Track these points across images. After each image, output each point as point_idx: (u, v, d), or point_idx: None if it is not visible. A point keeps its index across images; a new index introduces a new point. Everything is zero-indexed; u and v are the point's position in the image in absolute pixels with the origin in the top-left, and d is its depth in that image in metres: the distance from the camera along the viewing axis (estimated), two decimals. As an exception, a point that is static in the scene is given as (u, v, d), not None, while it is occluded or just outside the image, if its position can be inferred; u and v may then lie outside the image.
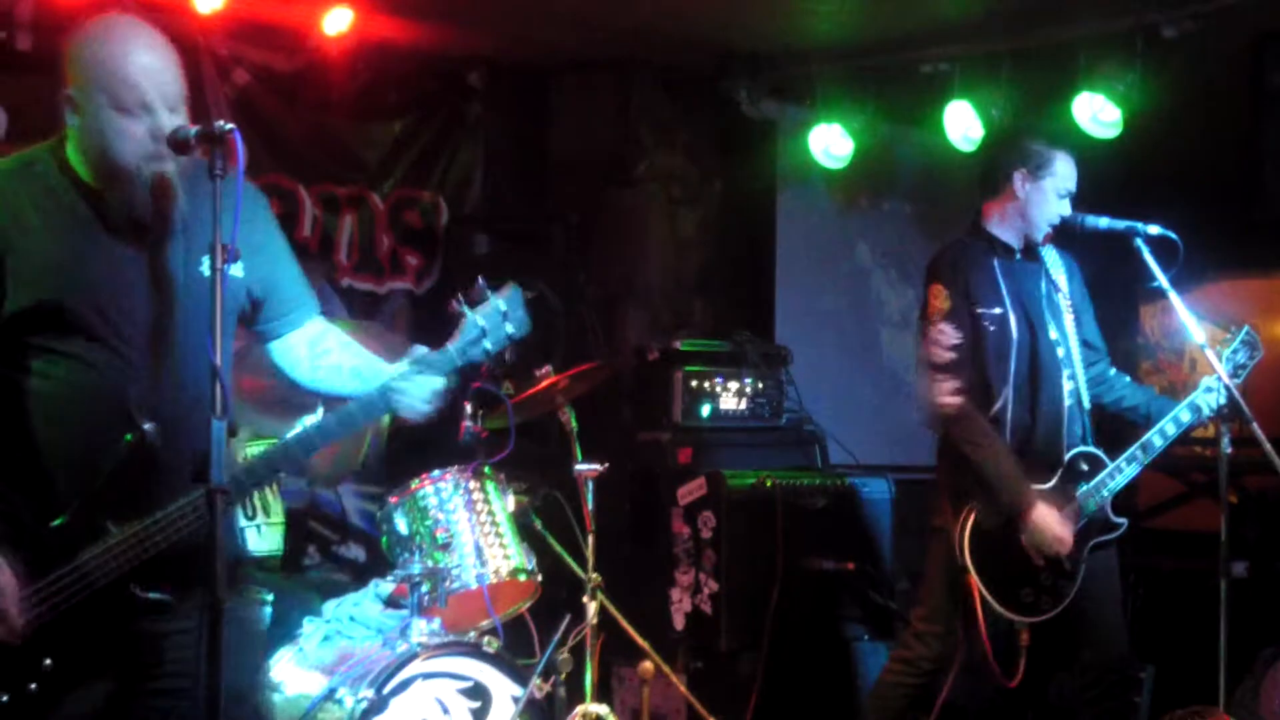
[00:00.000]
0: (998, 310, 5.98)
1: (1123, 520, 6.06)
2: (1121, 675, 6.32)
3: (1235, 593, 5.64)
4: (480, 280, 4.43)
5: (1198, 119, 8.85)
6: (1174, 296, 5.68)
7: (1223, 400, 5.87)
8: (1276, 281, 9.79)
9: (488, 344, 4.37)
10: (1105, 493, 5.99)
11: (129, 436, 3.88)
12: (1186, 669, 6.78)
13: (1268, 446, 5.47)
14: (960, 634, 6.03)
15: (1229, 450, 5.60)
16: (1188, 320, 5.69)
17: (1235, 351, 6.02)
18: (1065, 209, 6.11)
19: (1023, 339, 6.00)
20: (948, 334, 5.91)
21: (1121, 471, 6.00)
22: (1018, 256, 6.14)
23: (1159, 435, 6.00)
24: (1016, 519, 5.85)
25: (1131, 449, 6.00)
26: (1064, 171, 6.11)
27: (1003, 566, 5.88)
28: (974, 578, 5.82)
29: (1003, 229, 6.13)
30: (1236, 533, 5.90)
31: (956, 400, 5.87)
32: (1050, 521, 5.87)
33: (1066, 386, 6.10)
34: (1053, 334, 6.09)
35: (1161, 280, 5.71)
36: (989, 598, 5.84)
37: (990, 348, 5.97)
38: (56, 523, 3.86)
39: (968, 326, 5.95)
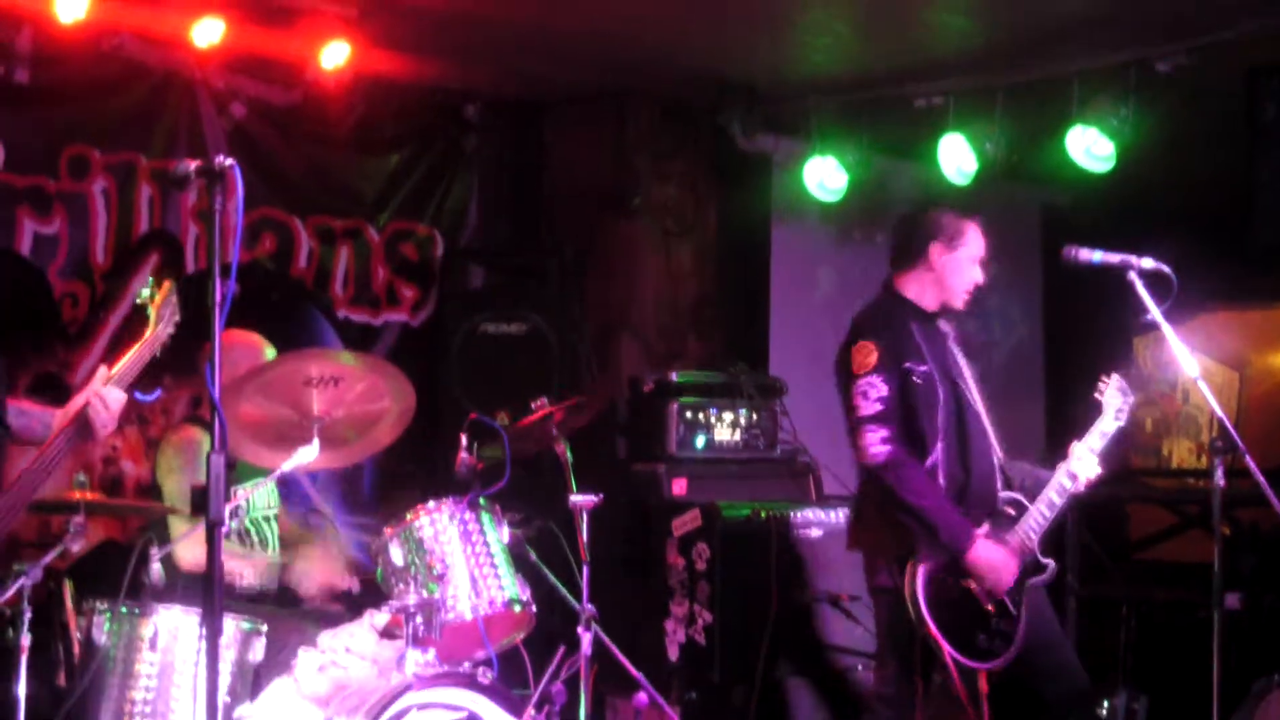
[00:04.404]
0: (924, 367, 6.05)
1: (1049, 561, 6.08)
2: (1086, 710, 6.35)
3: (1228, 624, 5.64)
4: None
5: (1191, 152, 8.89)
6: (1167, 329, 5.70)
7: (1093, 472, 6.04)
8: (1270, 313, 9.83)
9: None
10: (1034, 535, 6.05)
11: None
12: (1180, 701, 6.80)
13: (1261, 478, 5.48)
14: (920, 689, 6.04)
15: (1222, 482, 5.60)
16: (1181, 353, 5.71)
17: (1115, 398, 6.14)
18: (979, 275, 6.23)
19: (948, 395, 6.08)
20: (876, 386, 5.96)
21: (1044, 515, 6.05)
22: (931, 323, 6.24)
23: (1065, 480, 6.07)
24: (959, 559, 5.88)
25: (1044, 494, 6.05)
26: (976, 240, 6.24)
27: (956, 616, 5.91)
28: (935, 631, 5.85)
29: (920, 296, 6.23)
30: (1229, 564, 5.92)
31: (887, 448, 5.90)
32: (993, 553, 5.91)
33: (991, 440, 6.19)
34: (968, 394, 6.18)
35: (1154, 313, 5.72)
36: (951, 648, 5.87)
37: (921, 402, 6.01)
38: None
39: (896, 382, 6.00)
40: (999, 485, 6.13)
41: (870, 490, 6.10)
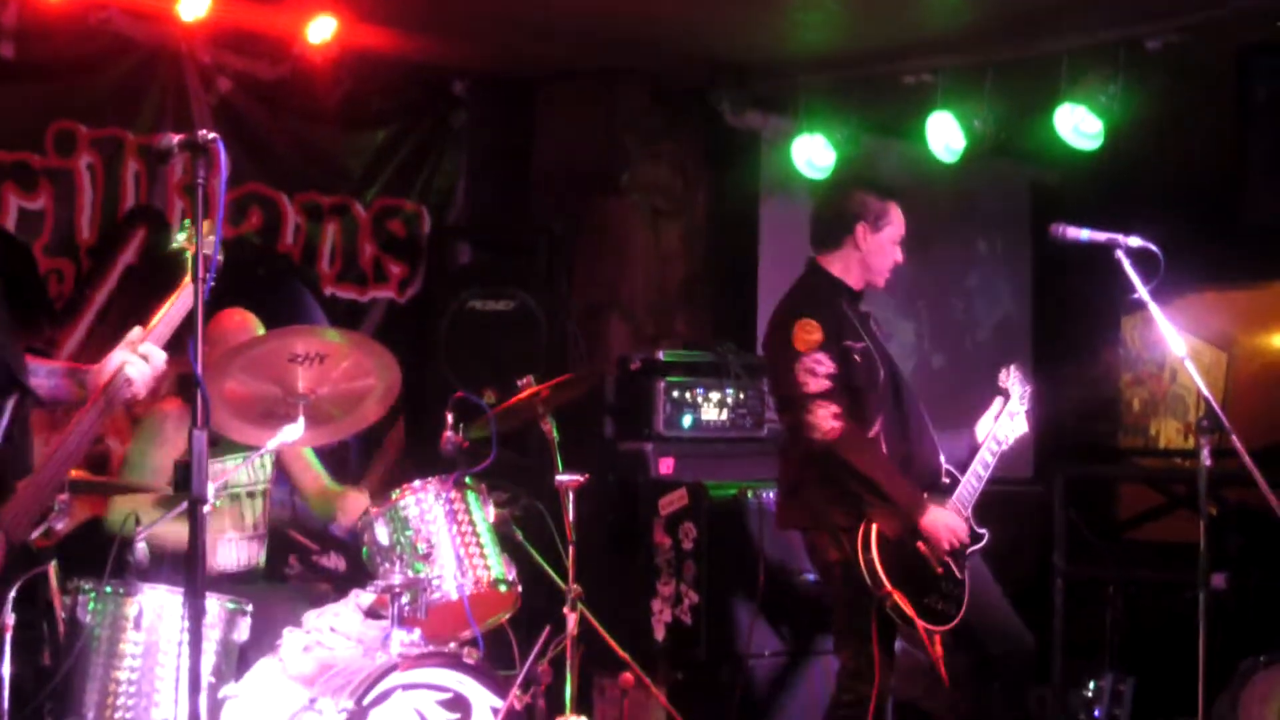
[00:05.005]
0: (861, 344, 6.12)
1: (984, 531, 6.16)
2: (1029, 666, 6.40)
3: (1215, 604, 5.65)
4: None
5: (1181, 131, 8.89)
6: (1154, 308, 5.70)
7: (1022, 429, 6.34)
8: (1258, 293, 9.83)
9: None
10: (967, 505, 6.12)
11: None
12: (1166, 681, 6.82)
13: (1247, 458, 5.48)
14: (877, 660, 6.06)
15: (1208, 462, 5.61)
16: (1169, 332, 5.71)
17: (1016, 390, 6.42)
18: (900, 255, 6.34)
19: (886, 371, 6.18)
20: (823, 362, 6.00)
21: (974, 486, 6.19)
22: (856, 301, 6.33)
23: (988, 454, 6.25)
24: (913, 525, 5.94)
25: (972, 467, 6.21)
26: (899, 220, 6.35)
27: (910, 579, 5.97)
28: (895, 591, 5.88)
29: (845, 275, 6.30)
30: (1216, 544, 5.92)
31: (839, 424, 5.93)
32: (945, 517, 6.03)
33: (925, 415, 6.28)
34: (899, 370, 6.28)
35: (1142, 292, 5.72)
36: (911, 612, 5.91)
37: (862, 377, 6.09)
38: None
39: (839, 359, 6.03)
40: (940, 459, 6.20)
41: (808, 466, 6.12)
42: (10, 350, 4.55)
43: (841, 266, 6.29)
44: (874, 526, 5.91)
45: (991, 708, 6.36)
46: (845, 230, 6.27)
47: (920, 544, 6.00)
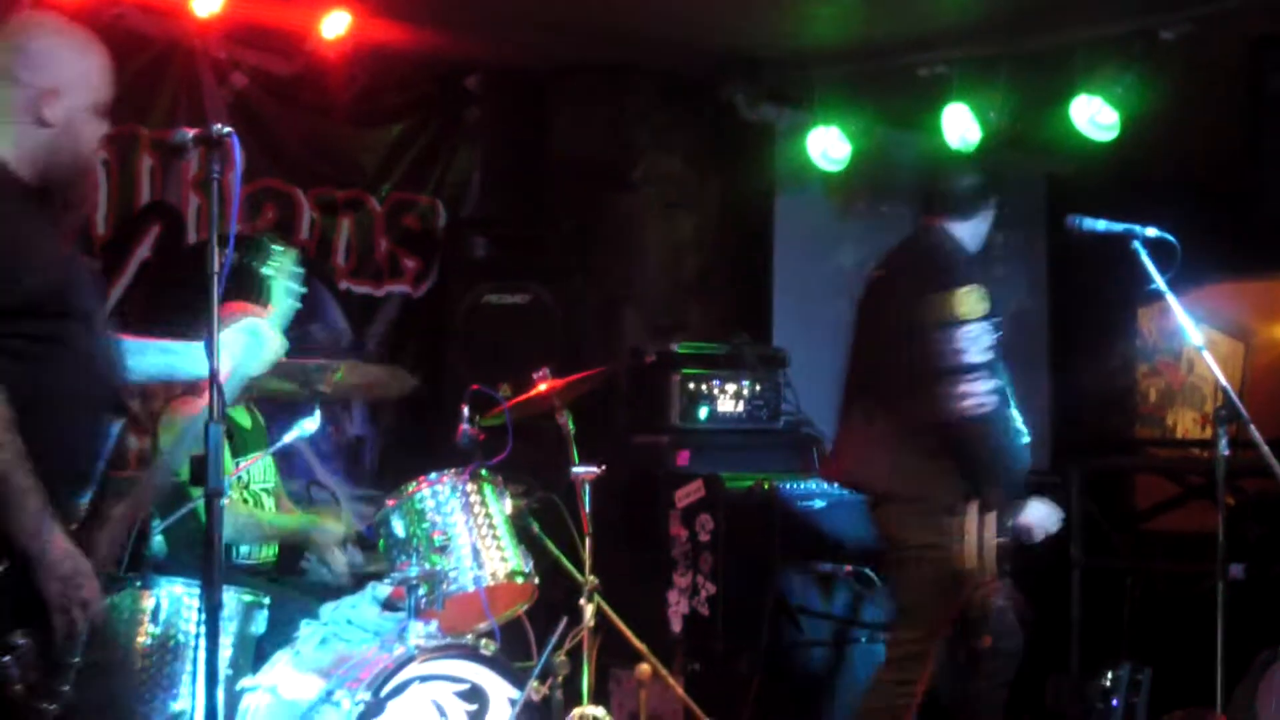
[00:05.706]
0: (999, 318, 6.04)
1: None
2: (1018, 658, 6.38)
3: (1233, 595, 5.64)
4: None
5: (1196, 122, 8.86)
6: (1171, 299, 5.69)
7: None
8: (1275, 284, 9.80)
9: None
10: None
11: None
12: (1184, 671, 6.80)
13: (1265, 448, 5.47)
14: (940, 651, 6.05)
15: (1226, 452, 5.60)
16: (1185, 323, 5.70)
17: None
18: None
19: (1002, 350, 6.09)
20: (989, 333, 5.91)
21: None
22: None
23: None
24: (1014, 515, 5.90)
25: None
26: None
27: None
28: (996, 587, 5.85)
29: (969, 244, 6.28)
30: (1234, 535, 5.91)
31: (995, 399, 5.83)
32: (1044, 506, 6.05)
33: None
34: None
35: (1159, 283, 5.71)
36: (998, 606, 5.90)
37: (998, 354, 6.01)
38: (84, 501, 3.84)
39: (995, 331, 5.97)
40: None
41: (919, 435, 6.00)
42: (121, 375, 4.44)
43: (966, 235, 6.24)
44: (989, 516, 5.85)
45: (984, 701, 6.34)
46: (985, 202, 6.27)
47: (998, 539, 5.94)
